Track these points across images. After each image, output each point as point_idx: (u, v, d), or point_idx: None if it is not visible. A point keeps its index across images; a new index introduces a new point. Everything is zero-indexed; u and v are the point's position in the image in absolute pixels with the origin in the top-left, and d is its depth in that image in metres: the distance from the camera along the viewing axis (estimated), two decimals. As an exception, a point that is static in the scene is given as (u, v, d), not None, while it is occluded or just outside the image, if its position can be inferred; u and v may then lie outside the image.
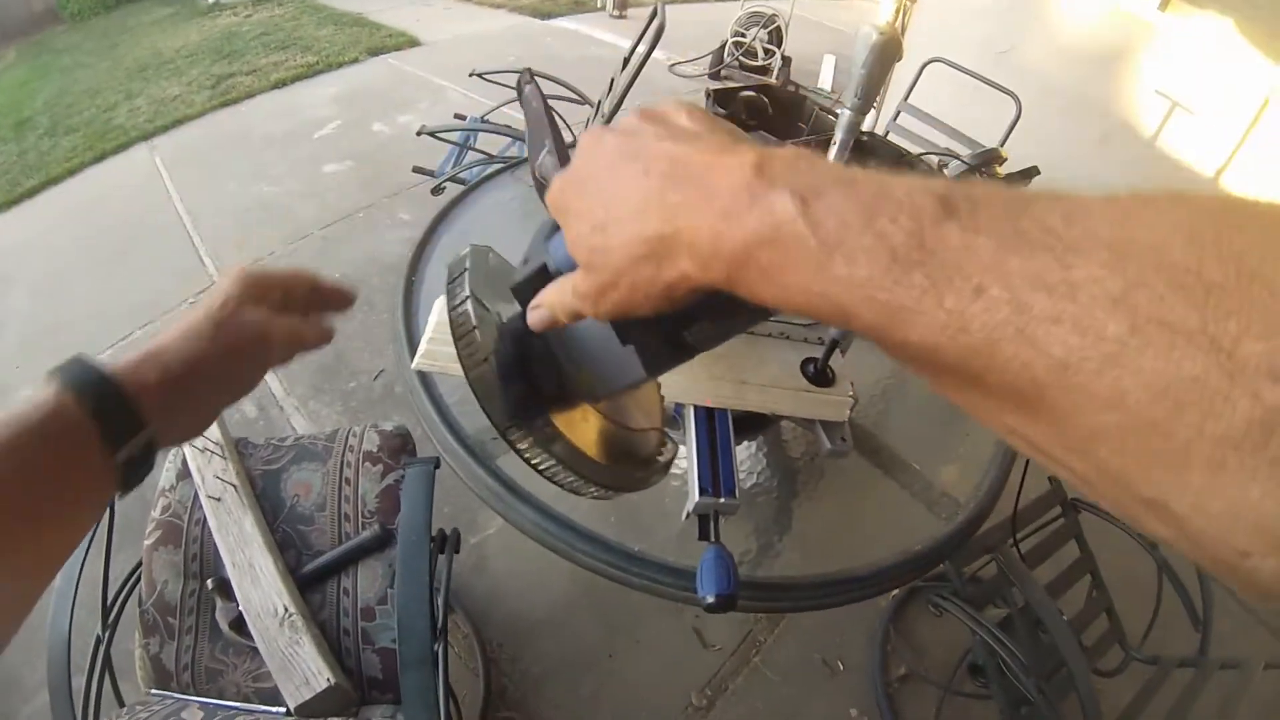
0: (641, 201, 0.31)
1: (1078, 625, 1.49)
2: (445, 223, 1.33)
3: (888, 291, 0.24)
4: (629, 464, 0.54)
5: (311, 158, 3.58)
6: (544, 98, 1.20)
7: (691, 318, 0.38)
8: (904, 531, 0.93)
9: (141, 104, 4.31)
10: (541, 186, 1.13)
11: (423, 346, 0.88)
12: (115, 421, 0.42)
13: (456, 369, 0.81)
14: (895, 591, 1.91)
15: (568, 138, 1.46)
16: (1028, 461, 1.15)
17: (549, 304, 0.40)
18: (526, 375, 0.46)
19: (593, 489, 0.51)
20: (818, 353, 0.89)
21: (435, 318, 0.92)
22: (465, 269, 0.50)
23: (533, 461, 0.48)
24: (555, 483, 0.49)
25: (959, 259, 0.23)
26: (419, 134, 2.37)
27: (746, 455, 0.97)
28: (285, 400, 2.17)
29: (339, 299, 0.61)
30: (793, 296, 0.27)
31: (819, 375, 0.88)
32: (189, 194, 3.34)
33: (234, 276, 0.52)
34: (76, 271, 2.91)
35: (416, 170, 2.54)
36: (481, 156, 2.41)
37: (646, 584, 0.80)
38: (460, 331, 0.46)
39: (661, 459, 0.59)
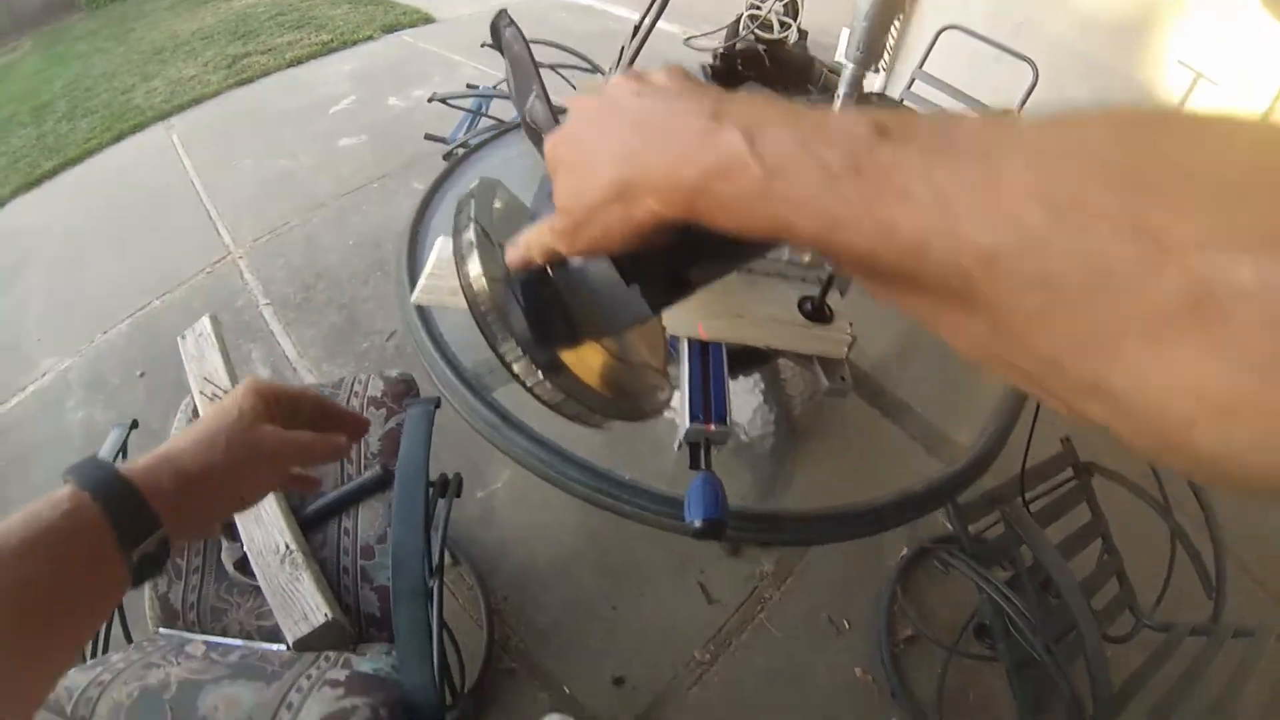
0: (614, 150, 0.35)
1: (1088, 589, 1.48)
2: (452, 177, 1.34)
3: (824, 206, 0.26)
4: (629, 395, 0.57)
5: (326, 133, 3.60)
6: (525, 41, 1.18)
7: (692, 256, 0.41)
8: (903, 473, 0.92)
9: (158, 85, 4.34)
10: (533, 131, 1.13)
11: (422, 281, 0.89)
12: (131, 522, 0.45)
13: (454, 302, 0.82)
14: (903, 552, 1.91)
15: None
16: (1035, 416, 1.14)
17: (526, 242, 0.44)
18: (533, 311, 0.48)
19: (593, 417, 0.53)
20: (815, 292, 0.89)
21: (436, 254, 0.93)
22: (472, 199, 0.52)
23: (530, 385, 0.49)
24: (553, 408, 0.51)
25: (889, 172, 0.25)
26: (430, 100, 2.37)
27: (744, 391, 0.96)
28: (299, 362, 2.19)
29: (351, 425, 0.63)
30: (744, 221, 0.30)
31: (816, 312, 0.87)
32: (205, 170, 3.37)
33: (247, 388, 0.55)
34: (95, 247, 2.95)
35: (429, 138, 2.54)
36: (494, 123, 2.40)
37: (637, 511, 0.80)
38: (463, 255, 0.48)
39: (663, 394, 0.61)
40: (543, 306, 0.48)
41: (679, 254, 0.40)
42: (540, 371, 0.48)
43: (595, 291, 0.46)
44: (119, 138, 3.79)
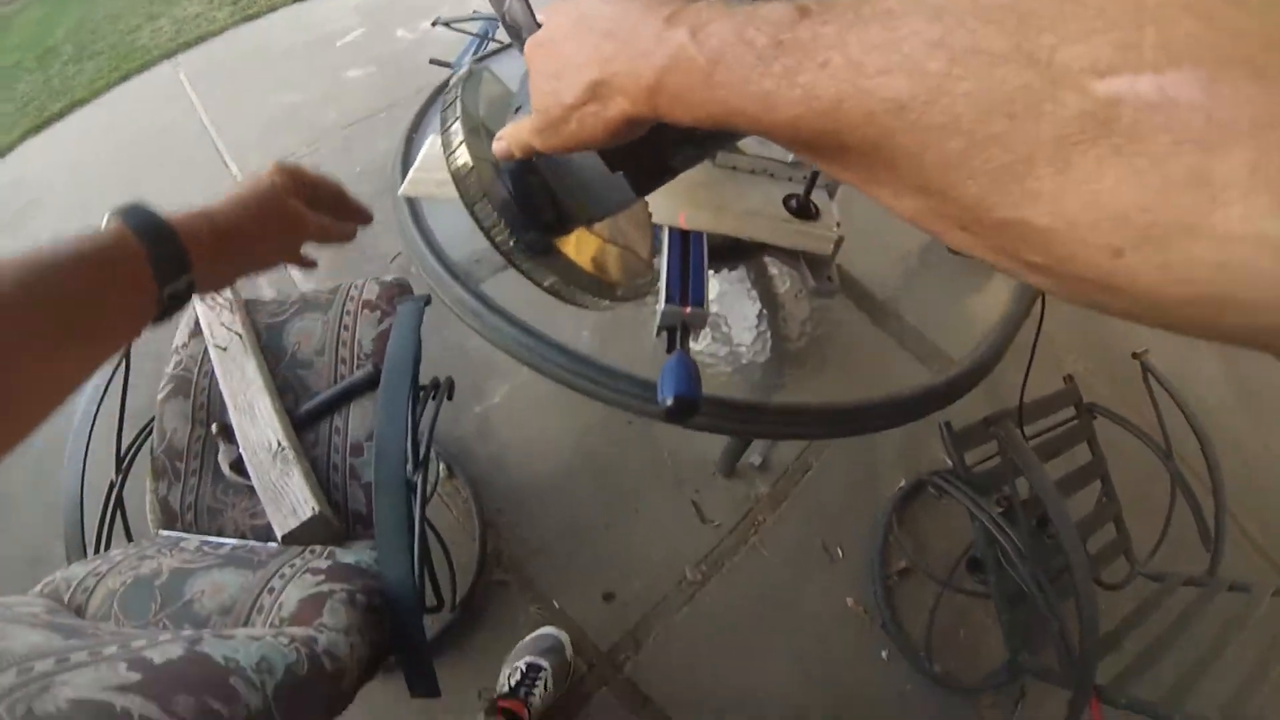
0: (585, 54, 0.38)
1: (1083, 530, 1.47)
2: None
3: (755, 84, 0.29)
4: (618, 276, 0.60)
5: (333, 66, 3.56)
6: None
7: (671, 143, 0.45)
8: (891, 378, 0.91)
9: (164, 24, 4.28)
10: (512, 29, 1.11)
11: (411, 174, 0.89)
12: (167, 260, 0.51)
13: (441, 193, 0.84)
14: (900, 484, 1.91)
15: None
16: (1036, 338, 1.12)
17: (508, 137, 0.48)
18: (521, 197, 0.52)
19: (582, 296, 0.56)
20: (801, 190, 0.87)
21: (426, 150, 0.93)
22: (460, 87, 0.55)
23: (521, 266, 0.53)
24: (545, 289, 0.55)
25: (809, 46, 0.27)
26: (434, 25, 2.32)
27: (729, 289, 0.95)
28: (304, 285, 2.19)
29: (360, 215, 0.71)
30: (697, 111, 0.33)
31: (801, 209, 0.86)
32: (213, 105, 3.35)
33: (277, 166, 0.62)
34: (105, 187, 2.95)
35: (434, 62, 2.50)
36: (499, 46, 2.35)
37: (613, 395, 0.80)
38: (451, 143, 0.51)
39: (648, 276, 0.65)
40: (531, 193, 0.52)
41: (659, 141, 0.43)
42: (534, 256, 0.52)
43: (581, 178, 0.50)
44: (126, 77, 3.74)
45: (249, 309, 1.24)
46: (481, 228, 0.52)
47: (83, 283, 0.47)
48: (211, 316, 1.19)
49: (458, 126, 0.52)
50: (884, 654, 1.71)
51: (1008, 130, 0.21)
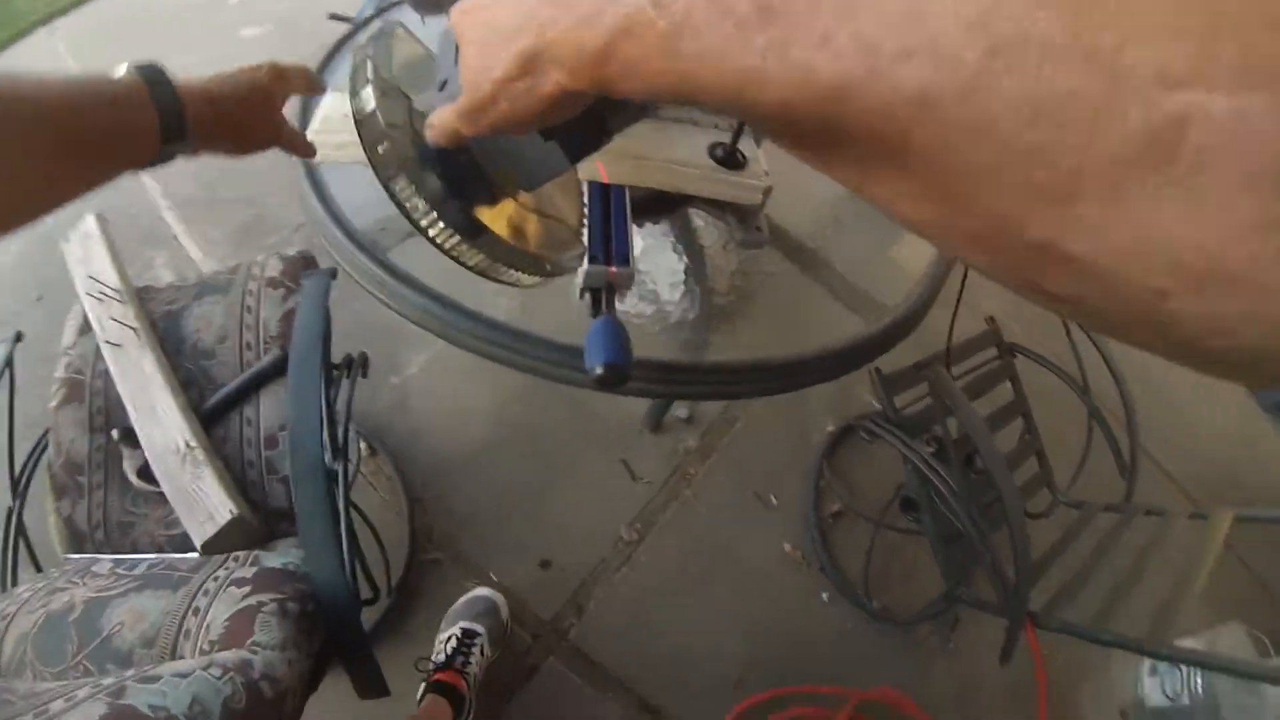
0: (517, 22, 0.33)
1: (1009, 465, 1.51)
2: (350, 41, 1.23)
3: (734, 58, 0.24)
4: (549, 250, 0.56)
5: (227, 25, 3.33)
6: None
7: (608, 106, 0.41)
8: (824, 331, 0.89)
9: (39, -13, 3.93)
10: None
11: (308, 137, 0.81)
12: (170, 119, 0.57)
13: (339, 157, 0.78)
14: (829, 428, 1.93)
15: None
16: (963, 282, 1.12)
17: (437, 125, 0.43)
18: (448, 173, 0.47)
19: (510, 274, 0.52)
20: (727, 138, 0.83)
21: (323, 111, 0.87)
22: (370, 47, 0.49)
23: (448, 249, 0.48)
24: (474, 270, 0.50)
25: (803, 16, 0.22)
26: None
27: (654, 245, 0.91)
28: (204, 263, 2.06)
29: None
30: (652, 83, 0.28)
31: (727, 158, 0.82)
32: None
33: (272, 66, 0.68)
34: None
35: (332, 17, 2.35)
36: None
37: (536, 365, 0.76)
38: (363, 115, 0.46)
39: (578, 250, 0.60)
40: (457, 168, 0.47)
41: (596, 104, 0.38)
42: (459, 234, 0.47)
43: (511, 148, 0.45)
44: (-1, 49, 3.44)
45: (142, 298, 1.14)
46: (399, 206, 0.46)
47: (93, 119, 0.52)
48: (101, 310, 1.09)
49: (369, 92, 0.46)
50: (824, 595, 1.74)
51: (1053, 142, 0.18)
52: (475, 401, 1.73)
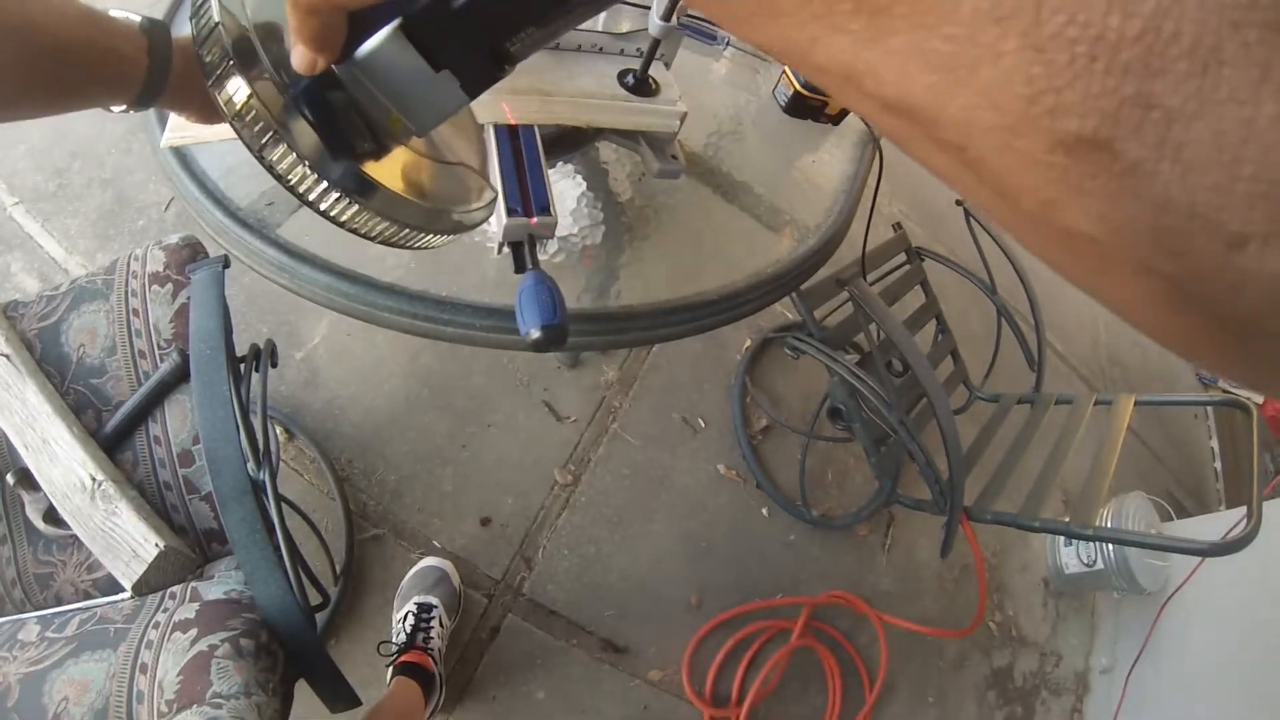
0: None
1: (928, 366, 1.57)
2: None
3: None
4: (453, 203, 0.48)
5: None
6: None
7: (508, 22, 0.34)
8: (753, 256, 0.87)
9: None
10: None
11: (172, 119, 0.77)
12: (156, 77, 0.58)
13: (211, 135, 0.73)
14: (746, 344, 1.95)
15: None
16: (875, 194, 1.11)
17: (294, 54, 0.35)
18: (324, 124, 0.39)
19: (417, 237, 0.44)
20: (636, 64, 0.78)
21: None
22: None
23: (338, 216, 0.41)
24: (373, 238, 0.42)
25: None
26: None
27: (562, 184, 0.86)
28: (68, 261, 1.86)
29: None
30: None
31: (639, 85, 0.77)
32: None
33: None
34: None
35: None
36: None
37: (462, 332, 0.71)
38: (215, 69, 0.37)
39: (487, 195, 0.52)
40: (335, 115, 0.39)
41: (493, 24, 0.33)
42: (347, 198, 0.39)
43: (397, 84, 0.37)
44: None
45: (10, 316, 0.99)
46: (277, 175, 0.38)
47: (83, 57, 0.54)
48: (-38, 342, 0.95)
49: (222, 40, 0.36)
50: (764, 511, 1.79)
51: None
52: (385, 361, 1.65)
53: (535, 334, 0.57)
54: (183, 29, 0.92)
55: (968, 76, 0.15)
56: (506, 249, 0.65)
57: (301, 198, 0.39)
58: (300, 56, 0.35)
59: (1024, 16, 0.13)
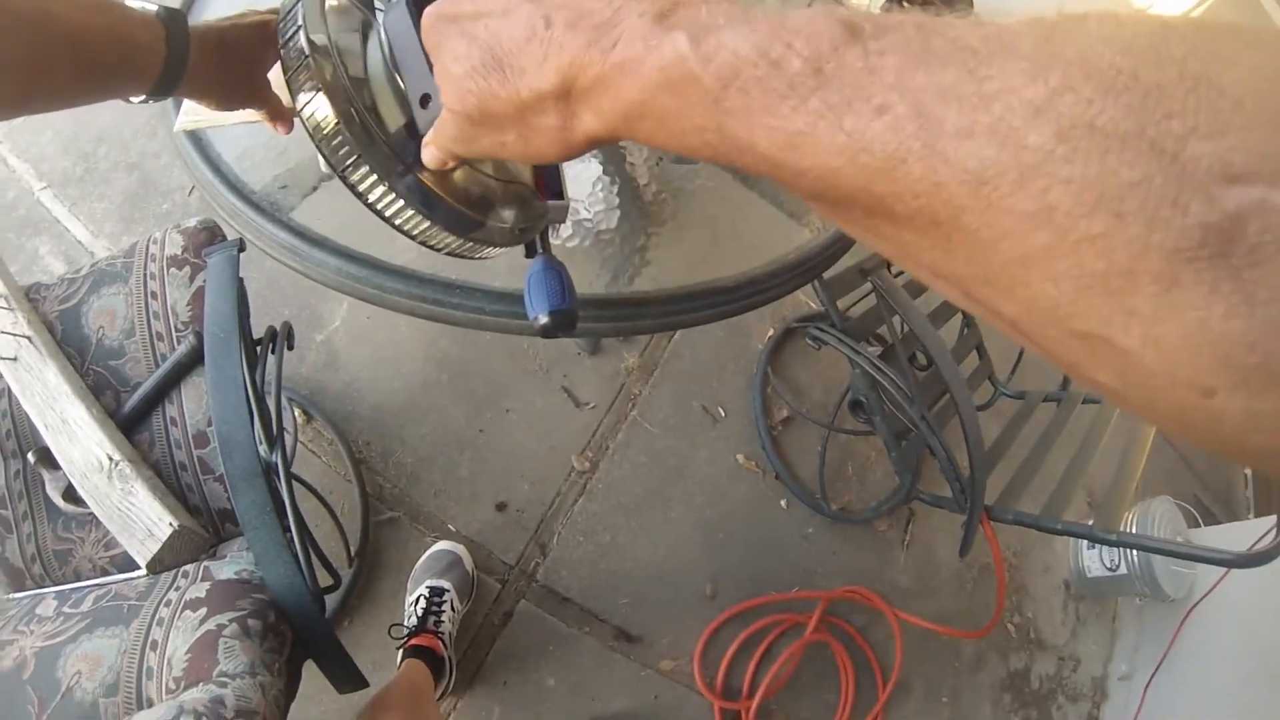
0: (535, 50, 0.30)
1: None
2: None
3: (783, 119, 0.23)
4: (519, 214, 0.52)
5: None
6: None
7: None
8: (771, 243, 0.86)
9: None
10: None
11: (186, 103, 0.77)
12: (173, 68, 0.58)
13: (224, 120, 0.75)
14: (769, 333, 1.93)
15: None
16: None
17: (433, 153, 0.41)
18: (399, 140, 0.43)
19: (482, 250, 0.50)
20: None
21: None
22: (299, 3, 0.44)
23: (418, 236, 0.46)
24: (449, 253, 0.48)
25: (860, 81, 0.21)
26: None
27: (579, 168, 0.85)
28: (94, 244, 1.89)
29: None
30: (689, 140, 0.27)
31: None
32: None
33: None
34: None
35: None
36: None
37: (472, 317, 0.70)
38: (298, 82, 0.42)
39: (539, 208, 0.56)
40: (408, 142, 0.43)
41: None
42: (430, 219, 0.44)
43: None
44: None
45: (33, 298, 1.01)
46: (357, 194, 0.43)
47: (102, 51, 0.55)
48: (-13, 322, 0.96)
49: (303, 48, 0.42)
50: (783, 503, 1.77)
51: (1111, 232, 0.17)
52: (404, 346, 1.65)
53: (543, 319, 0.56)
54: (199, 17, 0.93)
55: None
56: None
57: (378, 213, 0.44)
58: (432, 159, 0.41)
59: None
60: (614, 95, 0.28)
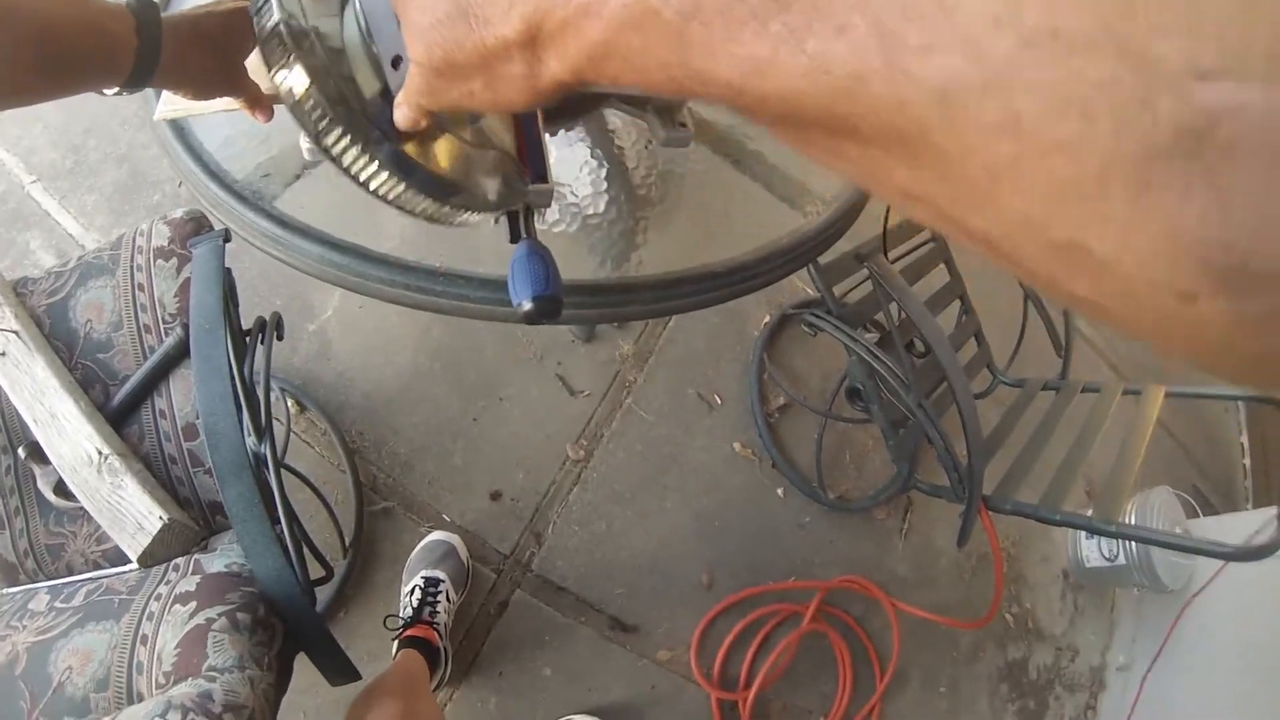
0: (506, 1, 0.30)
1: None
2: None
3: (746, 45, 0.23)
4: (499, 183, 0.52)
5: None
6: None
7: None
8: (764, 228, 0.84)
9: None
10: None
11: (165, 93, 0.74)
12: (146, 58, 0.58)
13: (204, 109, 0.72)
14: (765, 320, 1.91)
15: None
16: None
17: (403, 112, 0.41)
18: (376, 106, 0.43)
19: (454, 212, 0.49)
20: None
21: None
22: None
23: (395, 200, 0.45)
24: (427, 218, 0.48)
25: (820, 3, 0.21)
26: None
27: (567, 152, 0.84)
28: (85, 237, 1.87)
29: None
30: (653, 77, 0.27)
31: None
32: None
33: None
34: None
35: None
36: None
37: (456, 304, 0.69)
38: (274, 57, 0.41)
39: (523, 178, 0.57)
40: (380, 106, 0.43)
41: None
42: (406, 183, 0.44)
43: None
44: None
45: (20, 292, 1.01)
46: (332, 158, 0.43)
47: (71, 41, 0.55)
48: (-26, 318, 0.96)
49: (279, 29, 0.40)
50: (779, 491, 1.77)
51: (1080, 136, 0.17)
52: (396, 335, 1.65)
53: (526, 305, 0.55)
54: (174, 8, 0.91)
55: None
56: (503, 218, 0.63)
57: (354, 179, 0.43)
58: (404, 119, 0.41)
59: None
60: (579, 38, 0.28)
